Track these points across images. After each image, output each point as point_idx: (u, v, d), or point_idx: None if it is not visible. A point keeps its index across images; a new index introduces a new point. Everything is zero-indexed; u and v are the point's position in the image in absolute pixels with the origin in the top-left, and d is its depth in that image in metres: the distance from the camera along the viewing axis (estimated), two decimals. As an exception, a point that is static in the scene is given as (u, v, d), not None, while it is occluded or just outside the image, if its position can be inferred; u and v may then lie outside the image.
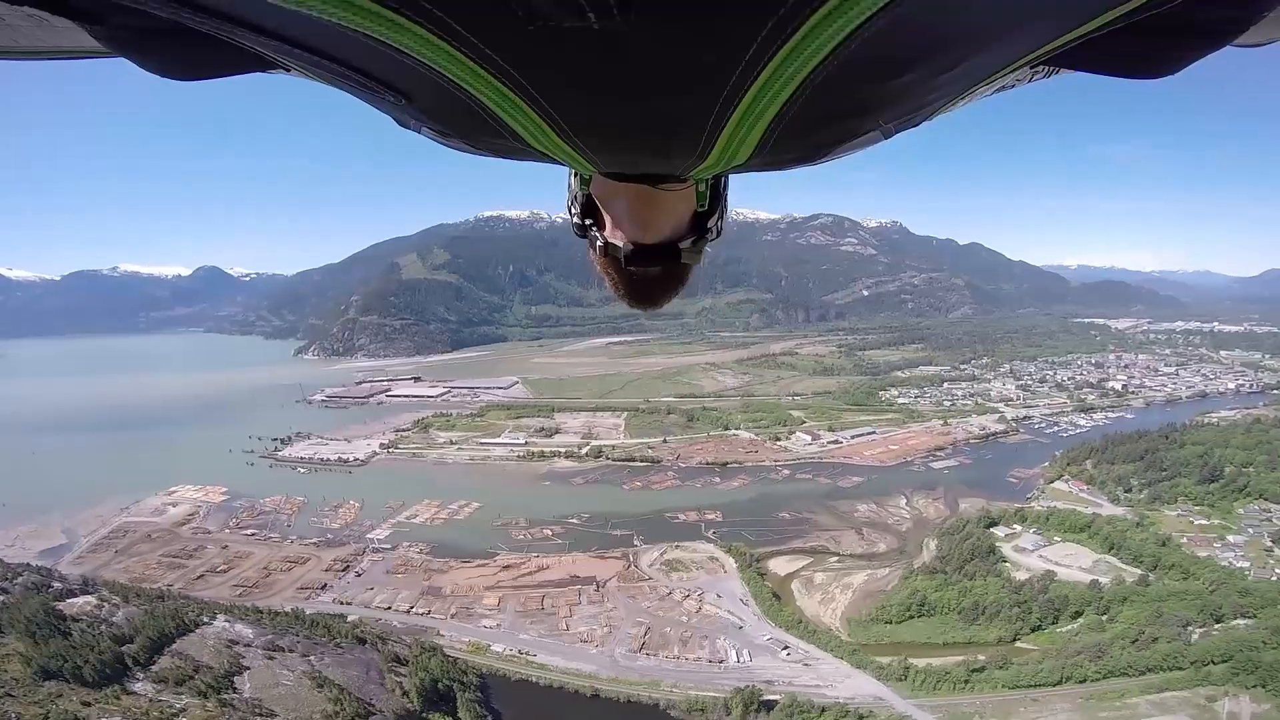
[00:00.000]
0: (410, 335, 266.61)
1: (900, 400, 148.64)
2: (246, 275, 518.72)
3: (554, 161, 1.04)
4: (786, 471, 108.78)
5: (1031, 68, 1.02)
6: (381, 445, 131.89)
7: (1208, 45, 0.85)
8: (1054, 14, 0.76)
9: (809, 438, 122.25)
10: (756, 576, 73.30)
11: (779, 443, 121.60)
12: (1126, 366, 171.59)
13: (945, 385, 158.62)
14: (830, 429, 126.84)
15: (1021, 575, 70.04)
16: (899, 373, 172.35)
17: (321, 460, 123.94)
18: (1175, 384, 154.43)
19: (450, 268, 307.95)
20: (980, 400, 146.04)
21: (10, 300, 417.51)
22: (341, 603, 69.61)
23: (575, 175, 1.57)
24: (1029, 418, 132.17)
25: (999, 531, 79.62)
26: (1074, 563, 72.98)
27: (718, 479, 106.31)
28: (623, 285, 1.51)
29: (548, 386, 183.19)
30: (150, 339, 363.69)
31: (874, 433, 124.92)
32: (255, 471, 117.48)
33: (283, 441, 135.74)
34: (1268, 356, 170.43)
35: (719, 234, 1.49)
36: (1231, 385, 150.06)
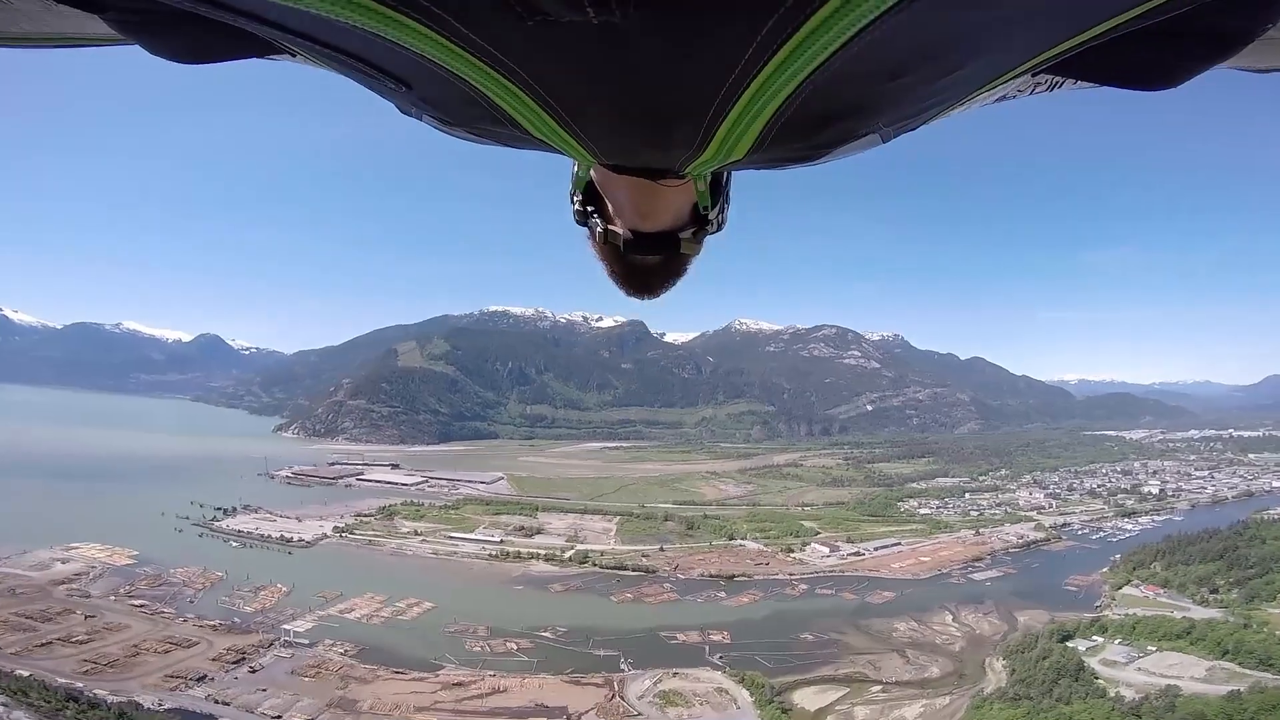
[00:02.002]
0: (397, 423, 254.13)
1: (922, 511, 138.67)
2: (247, 349, 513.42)
3: (555, 150, 1.03)
4: (804, 586, 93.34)
5: (1034, 76, 1.00)
6: (335, 529, 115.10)
7: (1213, 55, 0.82)
8: (1061, 16, 0.74)
9: (826, 549, 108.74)
10: (779, 714, 56.18)
11: (792, 554, 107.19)
12: (1155, 473, 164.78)
13: (968, 496, 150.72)
14: (849, 540, 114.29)
15: (1130, 693, 59.97)
16: (915, 484, 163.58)
17: (261, 536, 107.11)
18: (1214, 486, 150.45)
19: (448, 359, 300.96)
20: (1010, 509, 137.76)
21: (8, 343, 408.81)
22: (218, 701, 51.81)
23: (578, 163, 1.53)
24: (1068, 524, 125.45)
25: (1079, 645, 70.52)
26: (1185, 673, 63.98)
27: (723, 594, 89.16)
28: (620, 273, 1.47)
29: (534, 485, 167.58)
30: (136, 400, 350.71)
31: (899, 544, 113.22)
32: (181, 539, 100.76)
33: (225, 511, 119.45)
34: None
35: (721, 227, 1.45)
36: (1277, 484, 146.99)
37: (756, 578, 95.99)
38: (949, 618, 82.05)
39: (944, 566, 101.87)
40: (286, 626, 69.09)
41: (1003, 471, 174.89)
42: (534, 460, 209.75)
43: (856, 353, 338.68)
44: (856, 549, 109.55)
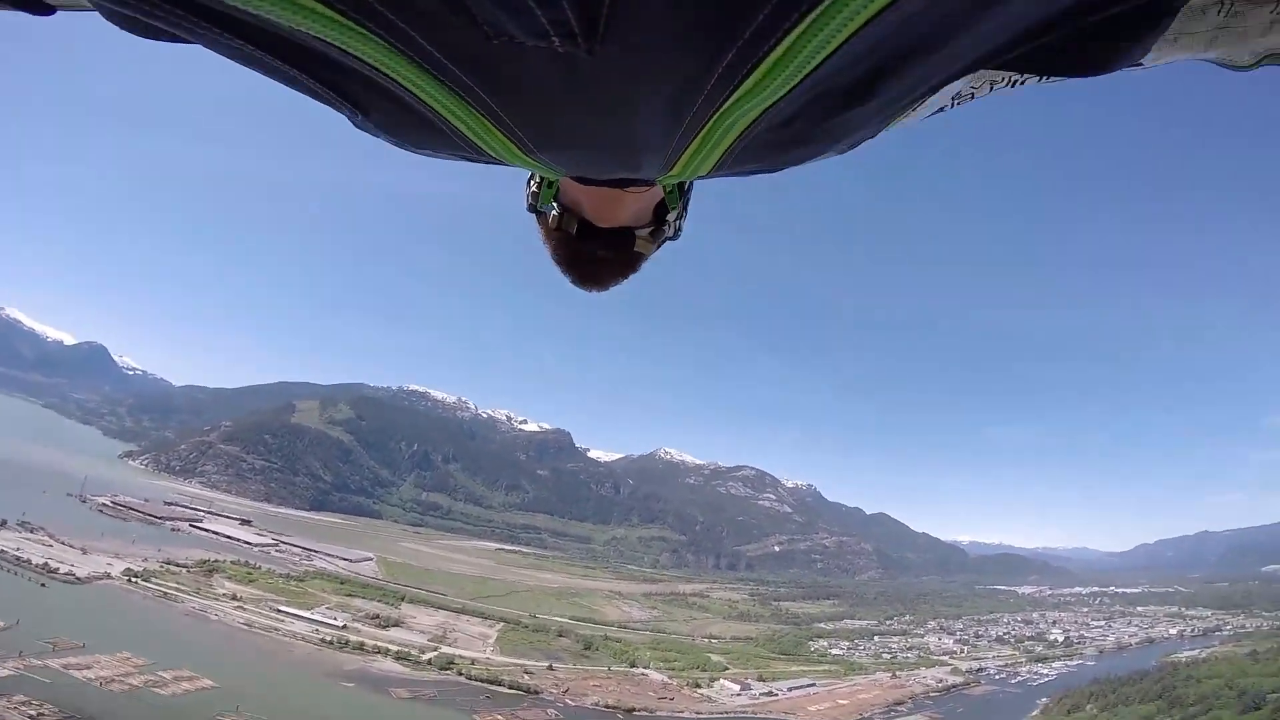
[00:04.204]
0: (268, 479, 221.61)
1: (834, 651, 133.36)
2: (132, 369, 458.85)
3: (514, 166, 1.00)
4: None
5: (990, 76, 1.00)
6: (126, 571, 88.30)
7: (1139, 29, 0.79)
8: (1003, 29, 0.72)
9: (736, 686, 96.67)
10: None
11: (699, 690, 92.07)
12: (1055, 623, 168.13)
13: (877, 639, 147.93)
14: (760, 678, 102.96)
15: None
16: (822, 624, 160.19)
17: (17, 559, 79.90)
18: (1114, 634, 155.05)
19: (349, 426, 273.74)
20: (922, 653, 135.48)
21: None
22: None
23: None
24: (983, 669, 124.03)
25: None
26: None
27: (620, 731, 68.66)
28: (568, 260, 1.36)
29: (408, 574, 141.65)
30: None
31: (814, 684, 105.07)
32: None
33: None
34: (1183, 609, 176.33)
35: (678, 234, 1.39)
36: (1173, 631, 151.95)
37: (659, 714, 78.67)
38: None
39: (864, 710, 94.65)
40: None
41: (907, 617, 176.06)
42: (417, 548, 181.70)
43: (772, 496, 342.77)
44: (769, 688, 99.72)
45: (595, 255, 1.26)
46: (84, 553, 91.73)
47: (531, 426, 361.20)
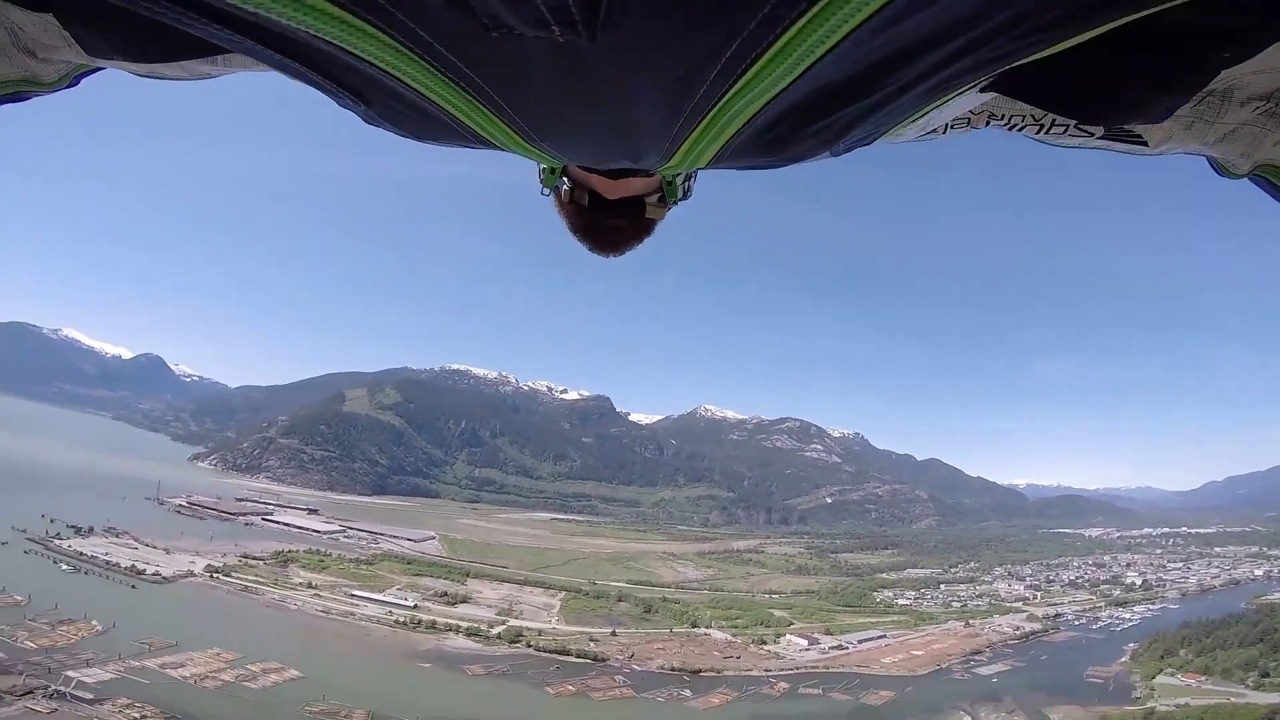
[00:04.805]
0: (328, 468, 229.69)
1: (900, 601, 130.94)
2: (189, 376, 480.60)
3: (520, 155, 1.04)
4: (784, 684, 77.72)
5: (991, 108, 1.01)
6: (207, 568, 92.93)
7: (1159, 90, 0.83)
8: (1007, 40, 0.70)
9: (804, 641, 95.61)
10: None
11: (765, 647, 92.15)
12: (1129, 565, 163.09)
13: (943, 587, 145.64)
14: (828, 632, 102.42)
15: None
16: (885, 575, 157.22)
17: (106, 563, 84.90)
18: (1194, 575, 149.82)
19: (398, 410, 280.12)
20: (993, 600, 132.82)
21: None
22: None
23: None
24: (1060, 615, 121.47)
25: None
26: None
27: (689, 691, 70.17)
28: (583, 230, 1.41)
29: (470, 549, 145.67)
30: (52, 410, 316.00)
31: (884, 636, 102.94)
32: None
33: (78, 530, 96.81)
34: (1265, 548, 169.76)
35: (688, 194, 1.40)
36: (1259, 572, 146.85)
37: (727, 673, 78.80)
38: (969, 720, 67.63)
39: (941, 661, 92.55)
40: (71, 673, 48.11)
41: (972, 564, 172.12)
42: (474, 524, 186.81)
43: (819, 446, 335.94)
44: (837, 641, 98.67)
45: (609, 225, 1.30)
46: (167, 553, 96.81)
47: (572, 395, 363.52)
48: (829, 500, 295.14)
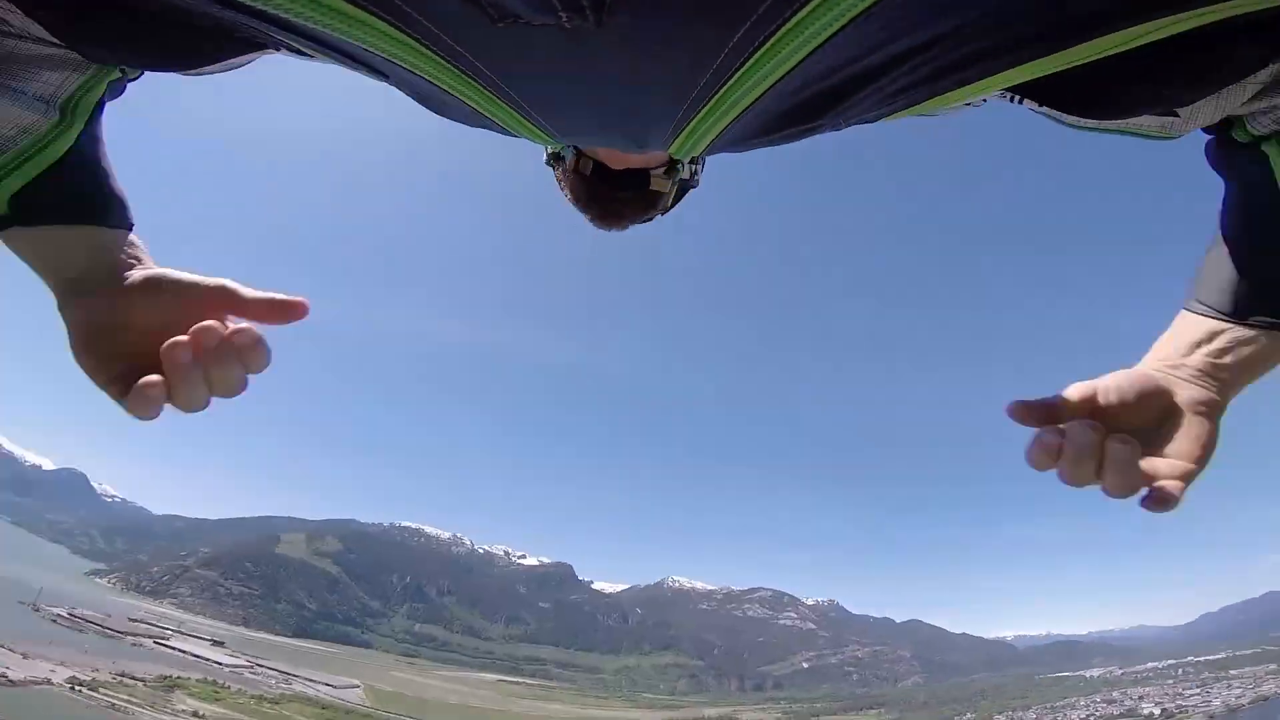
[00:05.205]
0: (246, 604, 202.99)
1: None
2: (111, 497, 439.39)
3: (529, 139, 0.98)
4: None
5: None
6: (70, 679, 74.23)
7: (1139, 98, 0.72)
8: (1014, 46, 0.66)
9: None
10: None
11: None
12: (1142, 698, 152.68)
13: None
14: None
15: None
16: None
17: (-59, 656, 66.33)
18: (1217, 698, 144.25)
19: (337, 559, 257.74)
20: None
21: None
22: None
23: None
24: None
25: None
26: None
27: None
28: (586, 198, 1.31)
29: (400, 703, 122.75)
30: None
31: None
32: None
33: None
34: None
35: (695, 181, 1.34)
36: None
37: None
38: None
39: None
40: None
41: (968, 716, 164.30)
42: (409, 678, 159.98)
43: (793, 614, 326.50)
44: None
45: (614, 194, 1.25)
46: (24, 657, 77.90)
47: (531, 561, 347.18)
48: (805, 665, 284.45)
